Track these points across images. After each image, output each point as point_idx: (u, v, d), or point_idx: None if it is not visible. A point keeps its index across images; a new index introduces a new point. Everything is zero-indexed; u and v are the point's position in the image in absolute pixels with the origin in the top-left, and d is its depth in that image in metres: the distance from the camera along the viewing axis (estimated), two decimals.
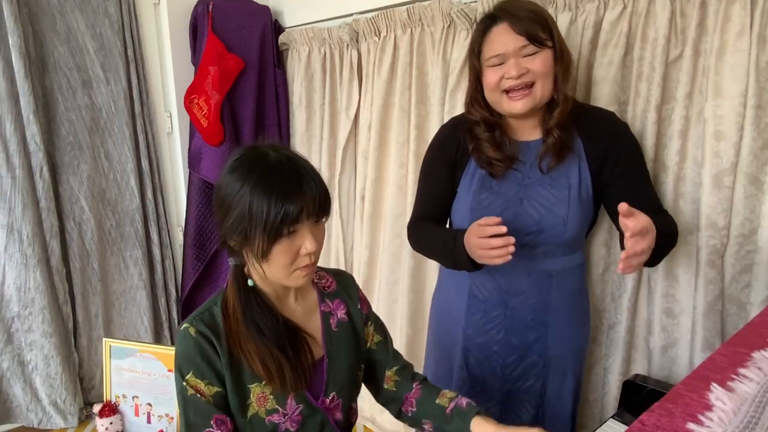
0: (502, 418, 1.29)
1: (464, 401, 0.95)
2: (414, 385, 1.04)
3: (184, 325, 0.88)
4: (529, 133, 1.20)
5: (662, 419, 0.63)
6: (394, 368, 1.05)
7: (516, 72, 1.08)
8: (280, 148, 0.84)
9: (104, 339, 1.23)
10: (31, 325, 2.03)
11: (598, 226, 1.38)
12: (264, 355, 0.87)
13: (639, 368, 1.42)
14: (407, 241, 1.33)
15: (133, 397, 1.23)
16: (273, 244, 0.80)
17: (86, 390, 2.24)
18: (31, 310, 2.02)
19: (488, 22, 1.13)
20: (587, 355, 1.50)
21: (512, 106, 1.11)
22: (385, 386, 1.05)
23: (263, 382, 0.89)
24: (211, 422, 0.85)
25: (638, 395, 1.19)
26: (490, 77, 1.13)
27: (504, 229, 1.03)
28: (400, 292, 1.91)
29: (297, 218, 0.79)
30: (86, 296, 2.18)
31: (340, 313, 1.01)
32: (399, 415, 1.05)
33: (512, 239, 1.02)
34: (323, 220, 0.86)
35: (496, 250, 1.03)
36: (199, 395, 0.86)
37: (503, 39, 1.09)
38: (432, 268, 1.82)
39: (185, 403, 0.86)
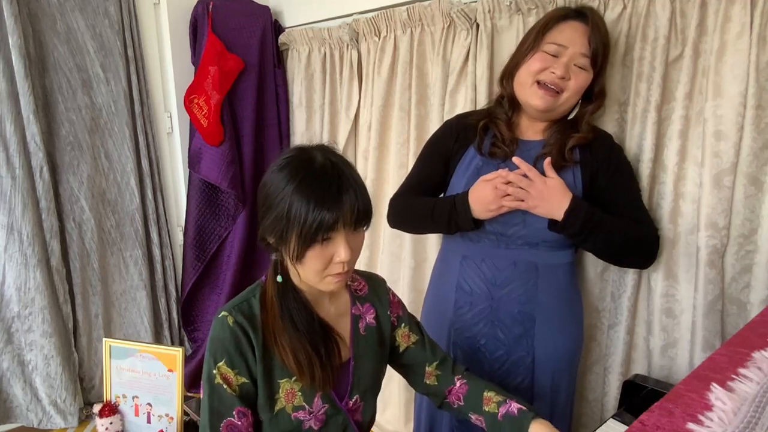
0: None
1: (515, 408, 0.94)
2: (456, 379, 1.05)
3: (223, 313, 0.89)
4: (533, 134, 1.25)
5: (662, 419, 0.63)
6: (434, 363, 1.06)
7: (560, 73, 1.12)
8: (329, 153, 0.85)
9: (104, 339, 1.23)
10: (31, 325, 2.03)
11: None
12: (297, 349, 0.88)
13: (639, 368, 1.42)
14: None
15: (133, 397, 1.23)
16: (307, 248, 0.81)
17: (86, 390, 2.24)
18: (31, 310, 2.02)
19: (573, 13, 1.17)
20: (587, 355, 1.50)
21: (534, 98, 1.16)
22: (427, 382, 1.06)
23: (293, 378, 0.91)
24: (233, 413, 0.87)
25: (638, 395, 1.19)
26: (534, 62, 1.16)
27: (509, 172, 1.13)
28: (400, 292, 1.91)
29: (332, 227, 0.80)
30: (86, 296, 2.18)
31: (369, 317, 1.03)
32: (441, 406, 1.07)
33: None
34: (363, 229, 0.87)
35: (507, 196, 1.12)
36: (225, 385, 0.87)
37: (575, 36, 1.13)
38: (431, 268, 1.82)
39: (211, 390, 0.88)
